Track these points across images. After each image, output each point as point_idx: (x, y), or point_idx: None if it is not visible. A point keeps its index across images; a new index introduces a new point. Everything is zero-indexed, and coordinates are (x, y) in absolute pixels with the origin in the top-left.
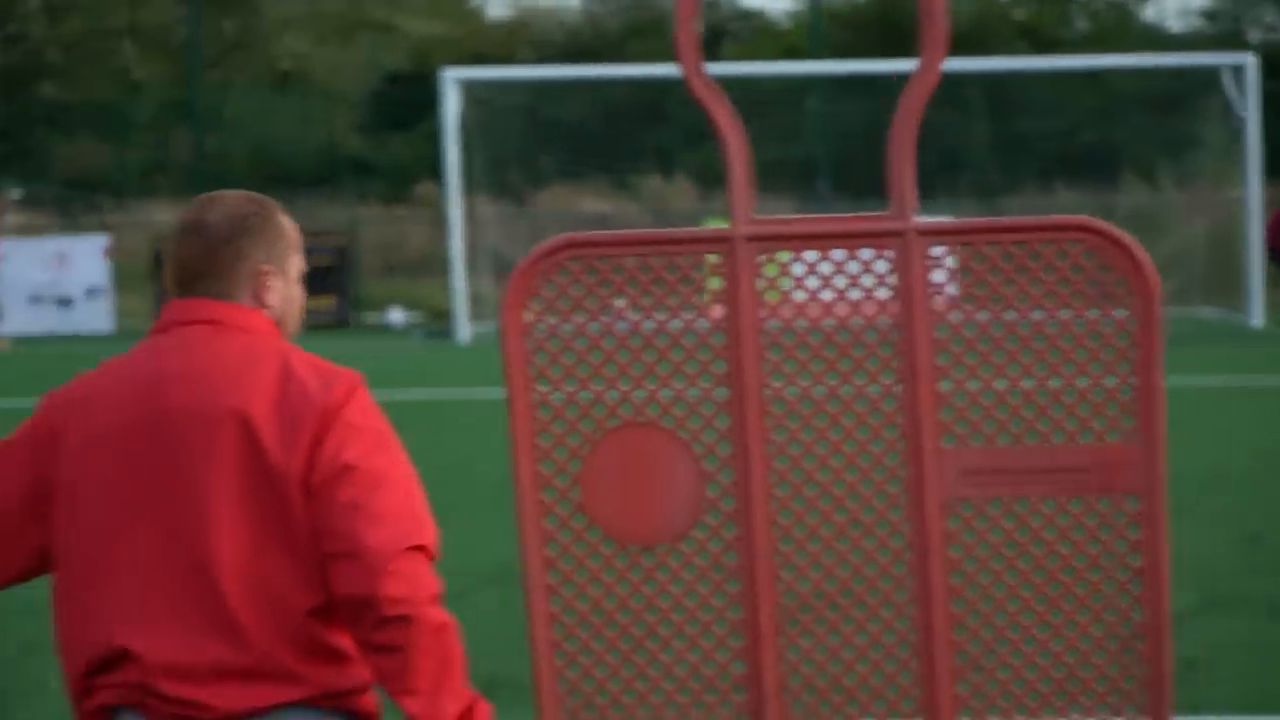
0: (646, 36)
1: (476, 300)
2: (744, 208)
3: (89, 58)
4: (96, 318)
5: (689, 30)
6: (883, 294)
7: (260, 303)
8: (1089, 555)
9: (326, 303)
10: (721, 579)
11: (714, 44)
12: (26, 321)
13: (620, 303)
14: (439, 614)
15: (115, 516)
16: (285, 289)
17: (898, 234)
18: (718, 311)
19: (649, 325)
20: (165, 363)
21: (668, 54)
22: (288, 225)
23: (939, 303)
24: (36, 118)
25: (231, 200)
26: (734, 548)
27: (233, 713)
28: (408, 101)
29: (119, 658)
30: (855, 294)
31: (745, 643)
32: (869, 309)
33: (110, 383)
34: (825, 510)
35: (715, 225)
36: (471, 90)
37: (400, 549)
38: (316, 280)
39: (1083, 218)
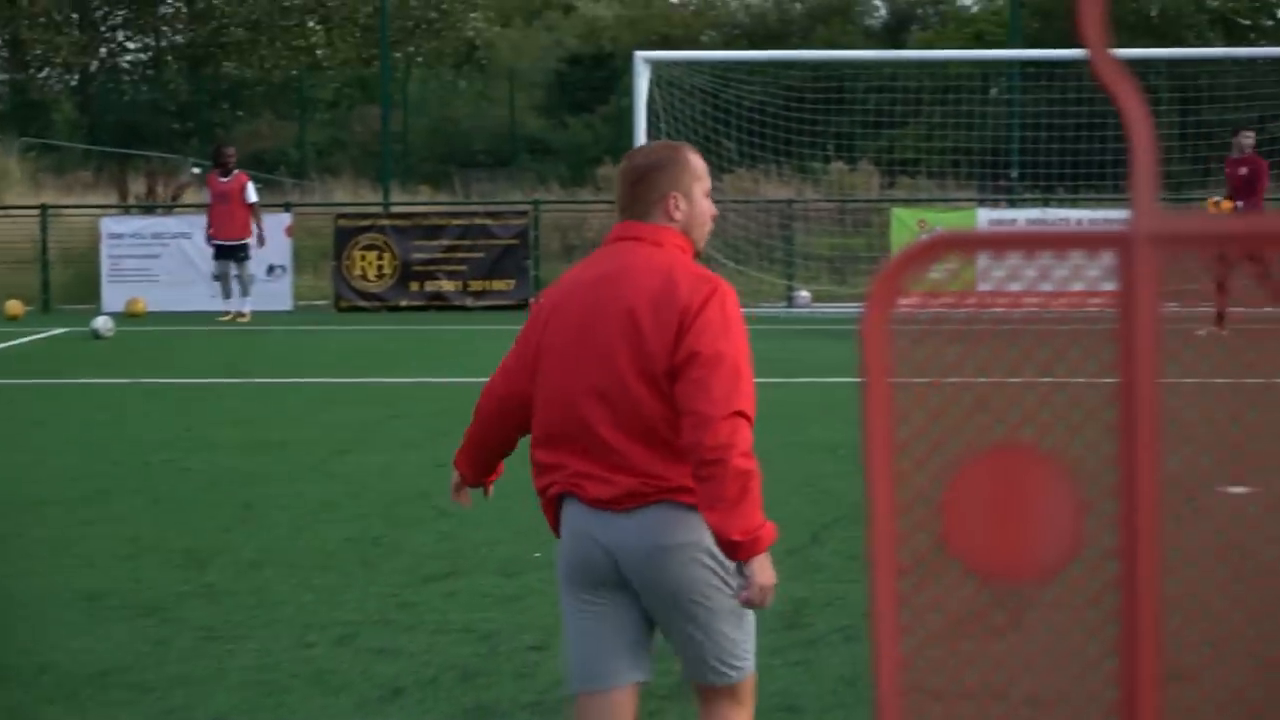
0: (830, 22)
1: None
2: (1147, 202)
3: (273, 35)
4: (276, 297)
5: (1096, 8)
6: None
7: (670, 219)
8: None
9: (505, 285)
10: (1099, 622)
11: (901, 30)
12: (206, 299)
13: (999, 307)
14: (745, 461)
15: (559, 372)
16: (689, 207)
17: None
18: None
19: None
20: (603, 267)
21: (851, 40)
22: (692, 160)
23: None
24: (218, 94)
25: (647, 148)
26: (1116, 587)
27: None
28: (588, 83)
29: (551, 461)
30: None
31: (1120, 696)
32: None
33: (572, 280)
34: (1219, 549)
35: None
36: (660, 72)
37: (724, 413)
38: (496, 262)
39: None
